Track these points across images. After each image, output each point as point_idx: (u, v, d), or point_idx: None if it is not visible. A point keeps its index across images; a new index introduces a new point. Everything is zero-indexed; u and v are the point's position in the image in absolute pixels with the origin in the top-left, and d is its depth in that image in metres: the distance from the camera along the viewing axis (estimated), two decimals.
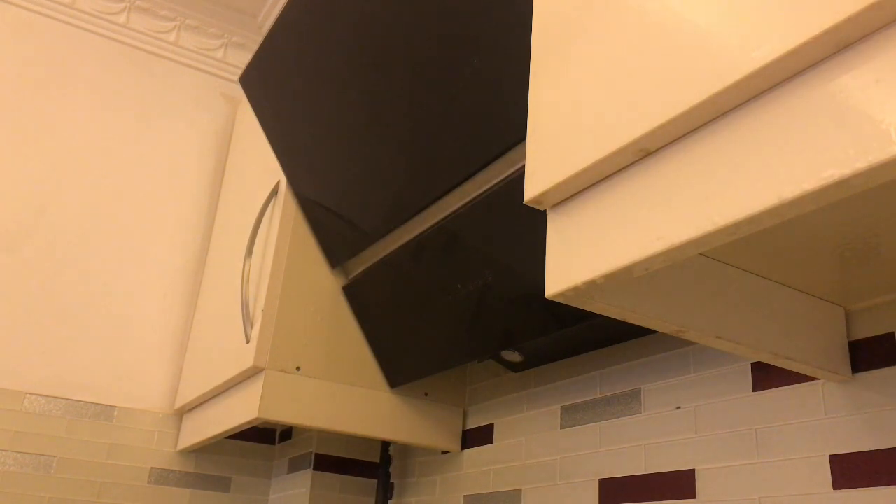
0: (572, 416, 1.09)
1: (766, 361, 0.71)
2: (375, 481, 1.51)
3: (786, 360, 0.70)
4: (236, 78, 1.88)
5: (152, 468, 1.54)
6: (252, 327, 1.21)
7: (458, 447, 1.32)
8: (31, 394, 1.48)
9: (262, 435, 1.66)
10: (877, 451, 0.71)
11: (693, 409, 0.91)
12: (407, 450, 1.48)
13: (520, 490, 1.14)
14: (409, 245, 1.08)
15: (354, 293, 1.26)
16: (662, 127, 0.49)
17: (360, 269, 1.23)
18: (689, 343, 0.93)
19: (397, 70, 1.01)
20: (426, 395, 1.30)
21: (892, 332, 0.73)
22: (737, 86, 0.45)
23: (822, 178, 0.40)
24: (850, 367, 0.75)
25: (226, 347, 1.34)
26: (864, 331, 0.75)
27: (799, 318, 0.72)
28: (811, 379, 0.78)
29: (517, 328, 0.97)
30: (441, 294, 1.06)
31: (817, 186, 0.40)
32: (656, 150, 0.52)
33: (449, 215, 0.99)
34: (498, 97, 0.85)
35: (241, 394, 1.24)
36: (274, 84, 1.31)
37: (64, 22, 1.71)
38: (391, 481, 1.50)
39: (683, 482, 0.89)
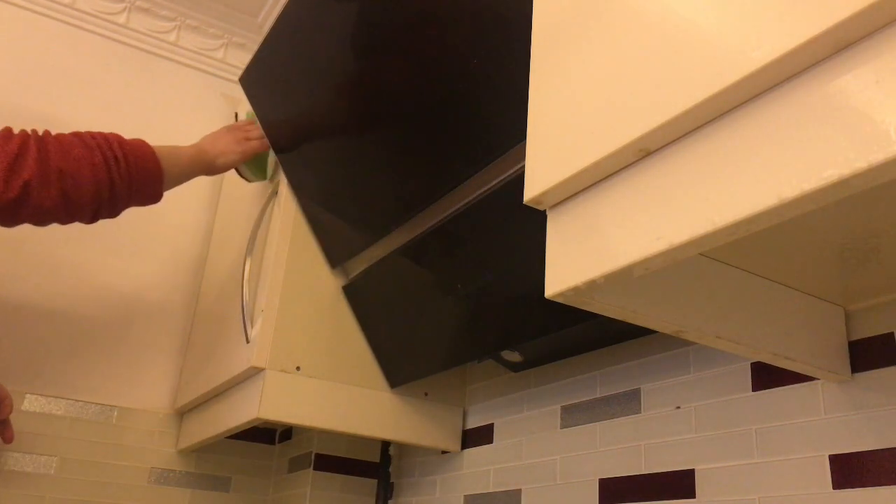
0: (572, 416, 1.09)
1: (766, 361, 0.71)
2: (375, 481, 1.51)
3: (786, 360, 0.70)
4: (236, 78, 1.88)
5: (152, 468, 1.54)
6: (252, 327, 1.21)
7: (458, 447, 1.32)
8: (31, 394, 1.48)
9: (262, 435, 1.66)
10: (877, 451, 0.71)
11: (693, 409, 0.91)
12: (407, 450, 1.48)
13: (520, 490, 1.14)
14: (409, 245, 1.08)
15: (354, 293, 1.26)
16: (662, 127, 0.49)
17: (360, 269, 1.23)
18: (689, 343, 0.93)
19: (397, 70, 1.01)
20: (426, 395, 1.30)
21: (892, 332, 0.73)
22: (737, 86, 0.45)
23: (822, 178, 0.40)
24: (849, 367, 0.75)
25: (226, 347, 1.34)
26: (864, 331, 0.75)
27: (799, 318, 0.72)
28: (811, 379, 0.78)
29: (517, 328, 0.97)
30: (441, 294, 1.06)
31: (817, 186, 0.40)
32: (656, 150, 0.52)
33: (449, 215, 0.99)
34: (498, 97, 0.85)
35: (241, 394, 1.24)
36: (274, 84, 1.31)
37: (64, 22, 1.71)
38: (391, 481, 1.50)
39: (683, 482, 0.89)
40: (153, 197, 1.24)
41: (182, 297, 1.67)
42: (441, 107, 0.95)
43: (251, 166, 1.38)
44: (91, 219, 1.18)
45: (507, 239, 0.92)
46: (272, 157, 1.37)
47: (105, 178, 1.13)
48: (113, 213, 1.19)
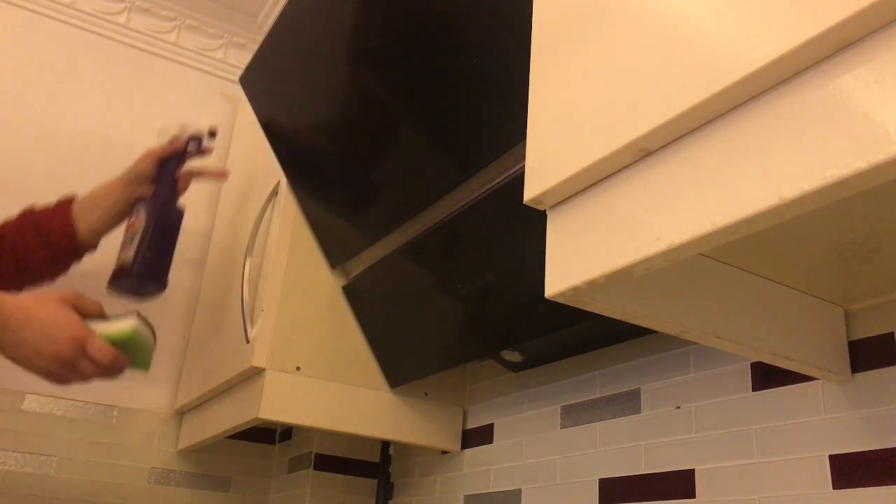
0: (572, 416, 1.09)
1: (766, 361, 0.71)
2: (375, 481, 1.51)
3: (786, 360, 0.70)
4: (236, 78, 1.88)
5: (152, 468, 1.54)
6: (252, 327, 1.21)
7: (458, 447, 1.32)
8: (31, 394, 1.48)
9: (262, 435, 1.66)
10: (877, 450, 0.71)
11: (692, 409, 0.91)
12: (407, 450, 1.48)
13: (520, 490, 1.14)
14: (409, 245, 1.08)
15: (354, 293, 1.26)
16: (662, 127, 0.49)
17: (360, 269, 1.23)
18: (689, 343, 0.93)
19: (397, 70, 1.01)
20: (426, 395, 1.30)
21: (892, 332, 0.73)
22: (737, 86, 0.45)
23: (823, 178, 0.40)
24: (849, 367, 0.75)
25: (226, 347, 1.34)
26: (864, 331, 0.75)
27: (799, 318, 0.72)
28: (811, 379, 0.78)
29: (517, 328, 0.97)
30: (441, 294, 1.06)
31: (817, 186, 0.40)
32: (656, 150, 0.52)
33: (449, 215, 0.99)
34: (498, 97, 0.85)
35: (241, 394, 1.24)
36: (274, 84, 1.31)
37: (64, 22, 1.71)
38: (391, 481, 1.50)
39: (683, 482, 0.89)
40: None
41: (182, 298, 1.67)
42: (441, 107, 0.95)
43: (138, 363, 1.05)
44: None
45: (507, 239, 0.92)
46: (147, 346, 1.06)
47: None
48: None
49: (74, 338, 0.96)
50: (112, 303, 1.11)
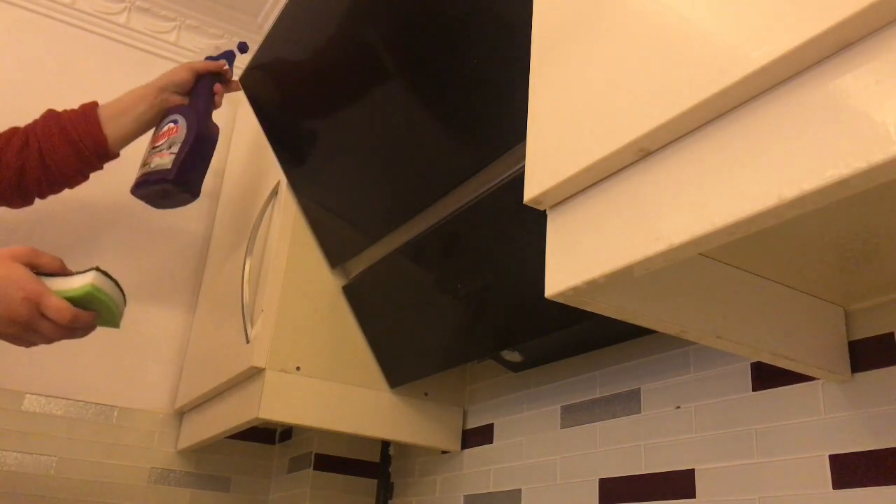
0: (572, 415, 1.09)
1: (766, 361, 0.71)
2: (375, 481, 1.51)
3: (786, 360, 0.70)
4: (236, 78, 1.88)
5: (152, 468, 1.54)
6: (252, 327, 1.21)
7: (458, 447, 1.32)
8: (31, 394, 1.48)
9: (262, 435, 1.66)
10: (877, 450, 0.71)
11: (692, 409, 0.91)
12: (407, 450, 1.48)
13: (520, 490, 1.14)
14: (409, 245, 1.08)
15: (354, 293, 1.26)
16: (662, 127, 0.49)
17: (360, 269, 1.23)
18: (689, 343, 0.93)
19: (397, 70, 1.01)
20: (426, 395, 1.30)
21: (892, 332, 0.73)
22: (737, 86, 0.45)
23: (823, 178, 0.40)
24: (849, 367, 0.75)
25: (226, 347, 1.34)
26: (864, 331, 0.75)
27: (799, 318, 0.72)
28: (811, 379, 0.78)
29: (517, 328, 0.97)
30: (441, 294, 1.06)
31: (817, 186, 0.40)
32: (656, 150, 0.52)
33: (449, 215, 0.99)
34: (498, 97, 0.85)
35: (241, 394, 1.24)
36: (274, 84, 1.31)
37: (64, 22, 1.71)
38: (391, 481, 1.50)
39: (683, 482, 0.89)
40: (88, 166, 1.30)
41: (182, 297, 1.67)
42: (441, 107, 0.95)
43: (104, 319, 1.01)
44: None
45: (507, 239, 0.92)
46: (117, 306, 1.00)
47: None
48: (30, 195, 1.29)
49: (27, 297, 0.90)
50: (78, 259, 1.08)
